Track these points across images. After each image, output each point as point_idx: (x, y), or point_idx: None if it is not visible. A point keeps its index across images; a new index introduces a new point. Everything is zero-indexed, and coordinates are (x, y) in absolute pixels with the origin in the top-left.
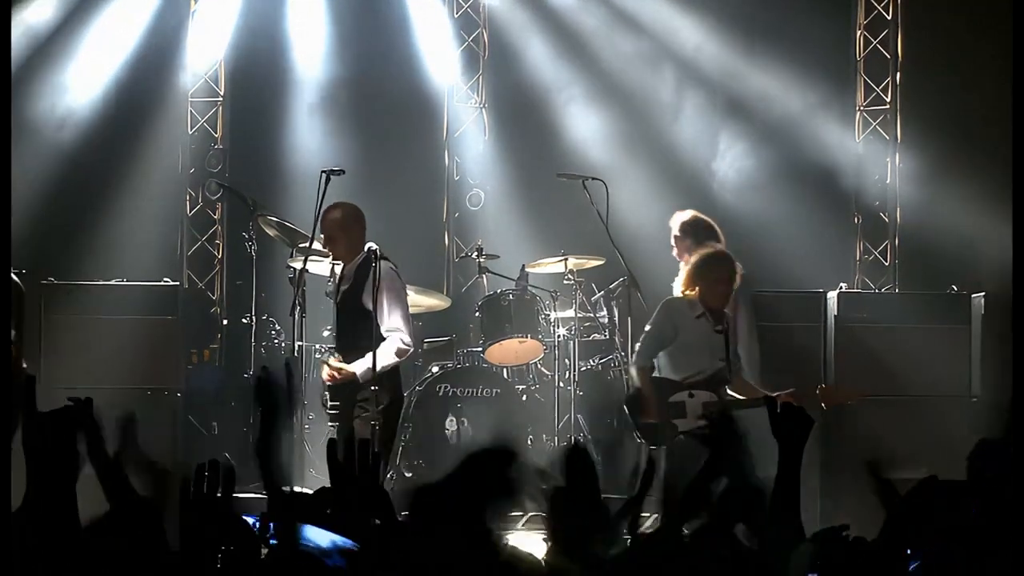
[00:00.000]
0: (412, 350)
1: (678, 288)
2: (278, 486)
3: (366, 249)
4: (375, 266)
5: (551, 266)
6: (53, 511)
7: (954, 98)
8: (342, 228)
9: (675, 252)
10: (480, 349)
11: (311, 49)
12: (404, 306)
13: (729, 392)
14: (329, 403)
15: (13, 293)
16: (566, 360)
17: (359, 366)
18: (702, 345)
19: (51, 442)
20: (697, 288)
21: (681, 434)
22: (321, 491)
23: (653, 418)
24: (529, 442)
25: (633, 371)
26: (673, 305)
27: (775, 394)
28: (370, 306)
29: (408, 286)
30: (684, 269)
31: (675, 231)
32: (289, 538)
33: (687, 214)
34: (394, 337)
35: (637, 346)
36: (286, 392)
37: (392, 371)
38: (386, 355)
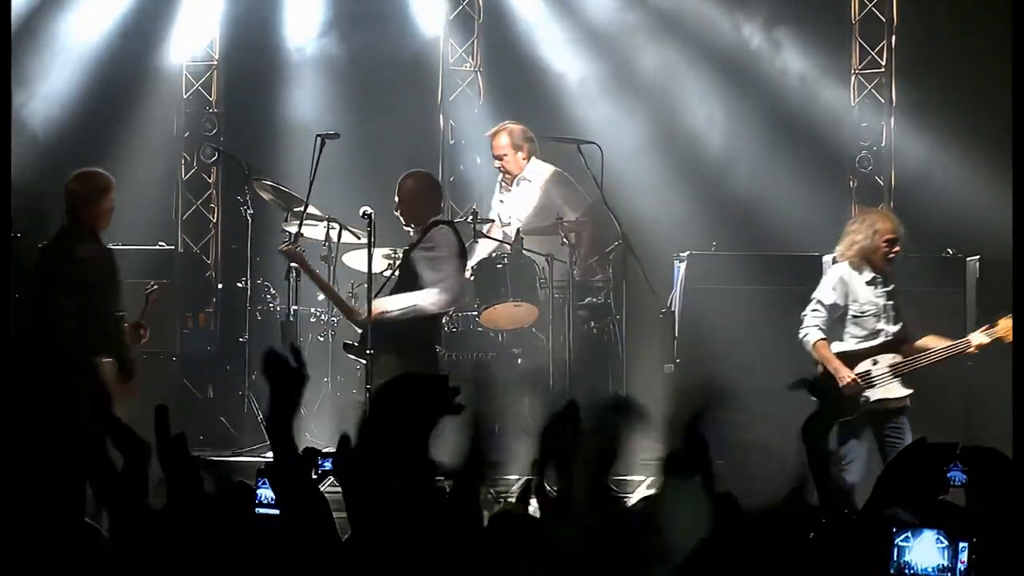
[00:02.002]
0: (444, 302)
1: (840, 253)
2: (291, 462)
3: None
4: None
5: (546, 230)
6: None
7: (950, 61)
8: (410, 196)
9: (508, 165)
10: (475, 313)
11: (306, 12)
12: (448, 264)
13: (915, 349)
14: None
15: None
16: (561, 324)
17: (383, 302)
18: (877, 311)
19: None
20: (863, 251)
21: (873, 404)
22: (307, 451)
23: (847, 390)
24: (525, 404)
25: (808, 347)
26: (840, 273)
27: (964, 340)
28: (414, 267)
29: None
30: (851, 230)
31: (513, 140)
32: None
33: (517, 124)
34: (428, 290)
35: (805, 319)
36: (297, 370)
37: (420, 342)
38: (408, 299)
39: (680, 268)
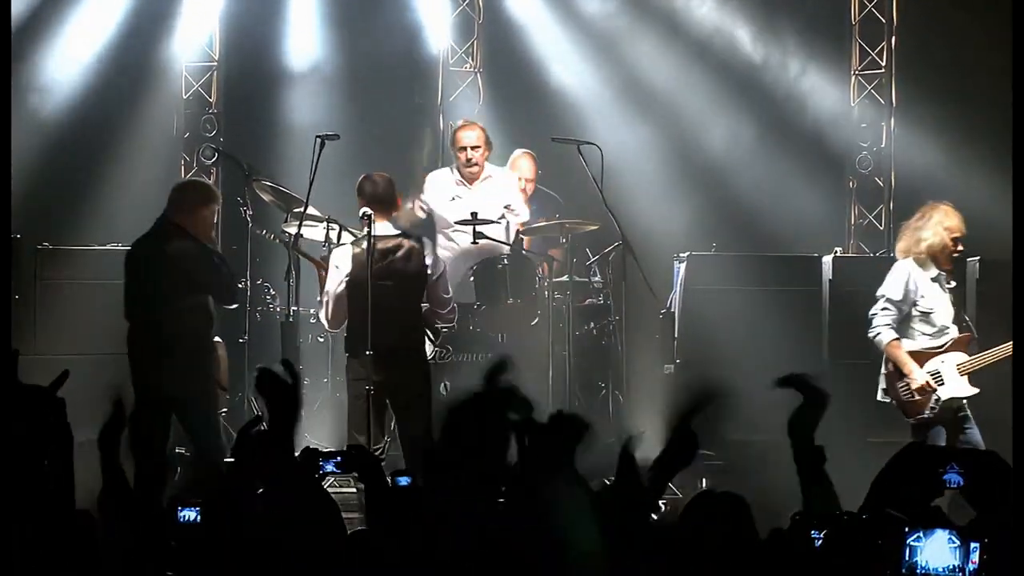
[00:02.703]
0: (325, 323)
1: (905, 249)
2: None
3: (361, 214)
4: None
5: (546, 231)
6: (43, 490)
7: (950, 62)
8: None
9: (480, 159)
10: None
11: (306, 13)
12: (328, 286)
13: (979, 347)
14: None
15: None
16: (560, 325)
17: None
18: (943, 308)
19: (27, 418)
20: (931, 248)
21: (944, 402)
22: (306, 451)
23: (920, 392)
24: None
25: (881, 347)
26: (908, 269)
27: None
28: None
29: None
30: (917, 226)
31: (485, 136)
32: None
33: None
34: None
35: (875, 319)
36: (292, 388)
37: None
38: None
39: (680, 269)
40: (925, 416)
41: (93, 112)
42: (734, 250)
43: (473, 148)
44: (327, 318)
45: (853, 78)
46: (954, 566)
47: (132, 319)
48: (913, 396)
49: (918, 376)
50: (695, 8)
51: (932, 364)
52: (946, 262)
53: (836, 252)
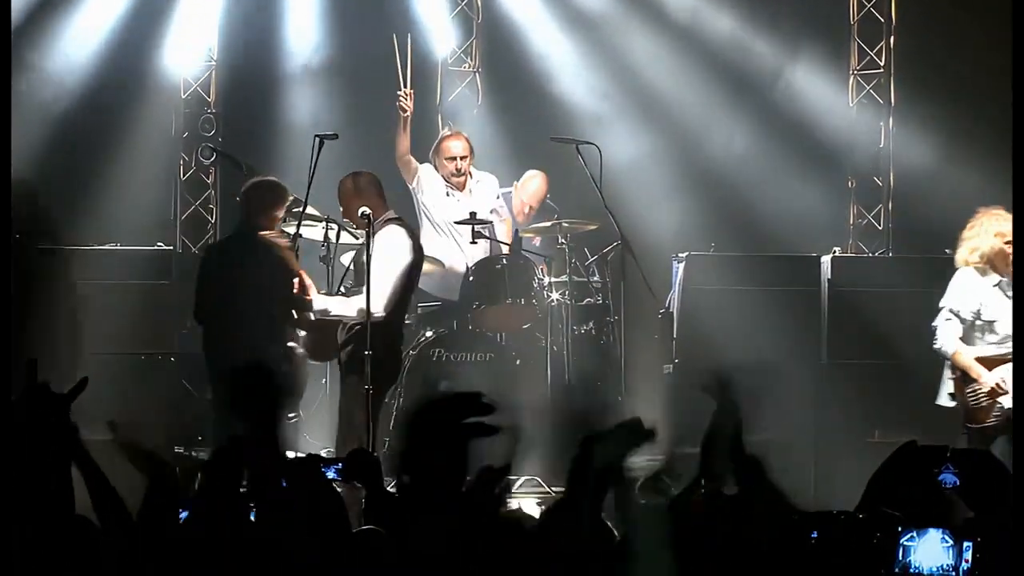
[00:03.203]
0: (379, 315)
1: (962, 259)
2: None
3: (360, 214)
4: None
5: (544, 231)
6: (44, 492)
7: (948, 62)
8: (339, 198)
9: (467, 167)
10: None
11: (305, 12)
12: (390, 274)
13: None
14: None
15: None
16: (559, 325)
17: (327, 300)
18: (1006, 315)
19: (39, 421)
20: (985, 256)
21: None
22: (310, 457)
23: (991, 394)
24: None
25: (946, 357)
26: (968, 278)
27: None
28: (362, 270)
29: None
30: (969, 236)
31: (468, 149)
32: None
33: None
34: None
35: (938, 329)
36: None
37: (387, 336)
38: (348, 306)
39: (679, 268)
40: (990, 423)
41: (92, 112)
42: (733, 250)
43: (462, 158)
44: (389, 307)
45: (852, 78)
46: (947, 565)
47: (201, 320)
48: (980, 402)
49: (988, 379)
50: (694, 9)
51: (999, 371)
52: (1004, 267)
53: (835, 252)
